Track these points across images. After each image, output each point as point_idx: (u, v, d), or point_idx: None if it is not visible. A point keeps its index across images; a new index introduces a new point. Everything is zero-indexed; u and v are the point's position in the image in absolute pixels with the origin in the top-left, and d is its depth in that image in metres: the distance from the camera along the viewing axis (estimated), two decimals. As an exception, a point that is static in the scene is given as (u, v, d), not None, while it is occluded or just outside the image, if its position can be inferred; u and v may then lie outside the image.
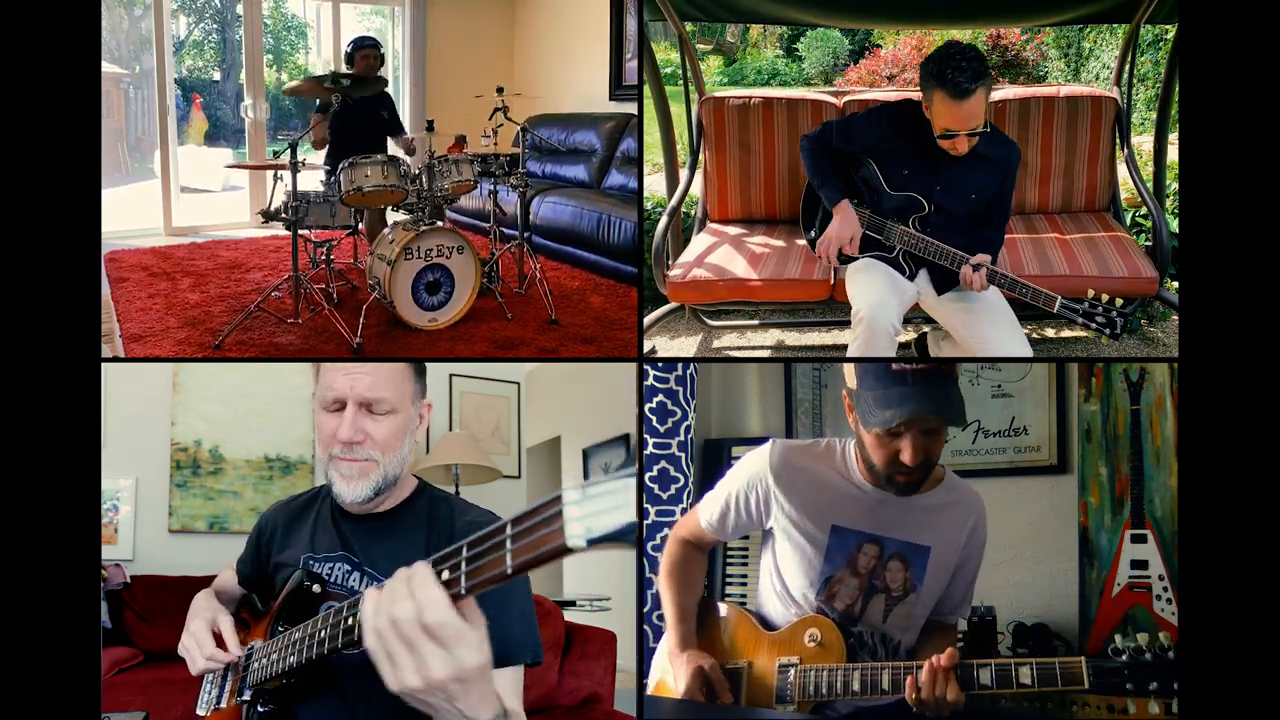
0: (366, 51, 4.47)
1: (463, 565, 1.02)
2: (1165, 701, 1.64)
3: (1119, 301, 2.42)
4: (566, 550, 0.90)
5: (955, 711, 1.75)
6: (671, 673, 1.98)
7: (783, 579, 2.01)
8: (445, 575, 1.04)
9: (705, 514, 2.09)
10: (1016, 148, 2.69)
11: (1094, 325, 2.41)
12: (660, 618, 2.30)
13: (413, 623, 1.05)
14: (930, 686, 1.74)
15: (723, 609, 2.09)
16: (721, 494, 2.07)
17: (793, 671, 1.91)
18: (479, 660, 1.07)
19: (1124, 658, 1.67)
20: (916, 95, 2.62)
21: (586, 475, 5.54)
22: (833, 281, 3.01)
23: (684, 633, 1.99)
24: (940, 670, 1.74)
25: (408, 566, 1.08)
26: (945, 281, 2.65)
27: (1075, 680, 1.70)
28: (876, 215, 2.70)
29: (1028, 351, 2.61)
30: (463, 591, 1.01)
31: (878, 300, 2.55)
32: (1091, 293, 2.43)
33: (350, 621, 1.28)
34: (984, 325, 2.60)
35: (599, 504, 0.88)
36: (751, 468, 2.02)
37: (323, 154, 4.49)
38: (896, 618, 1.95)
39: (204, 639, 1.59)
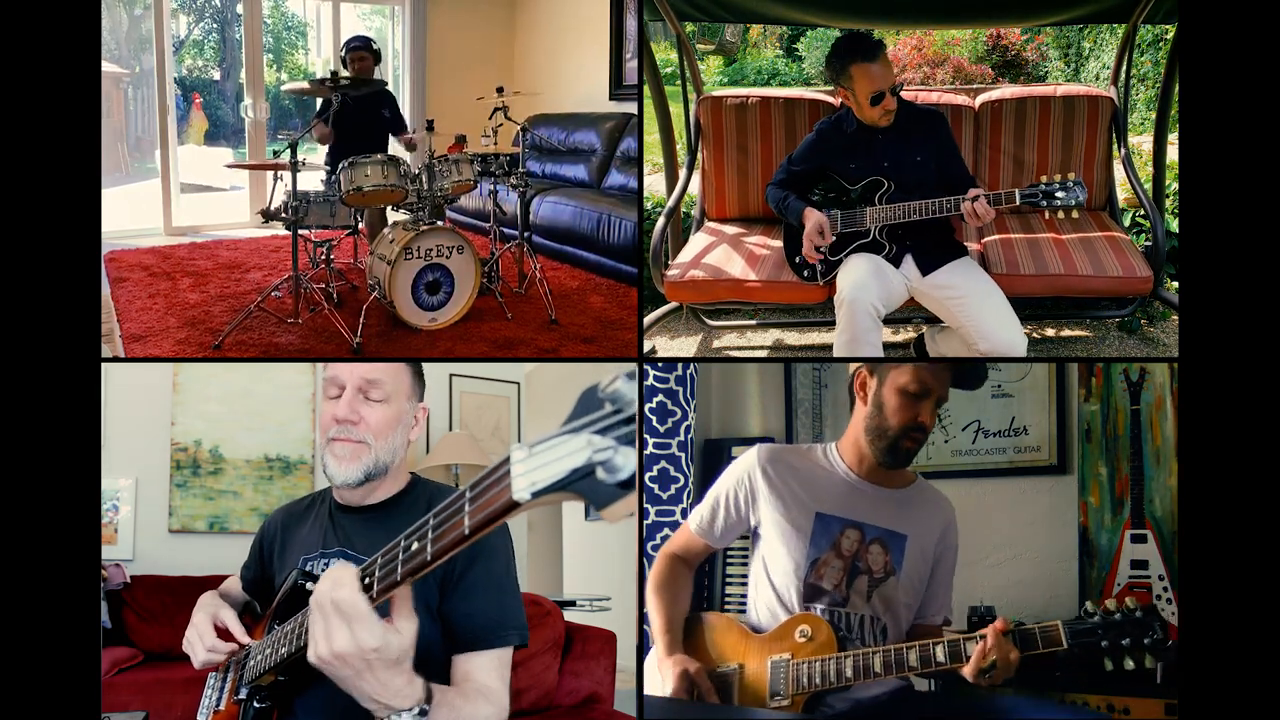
0: (356, 54, 4.46)
1: (429, 534, 1.10)
2: (1138, 658, 1.72)
3: (1071, 176, 2.64)
4: (514, 504, 0.96)
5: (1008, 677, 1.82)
6: (660, 680, 2.02)
7: (770, 577, 2.08)
8: (410, 547, 1.14)
9: (695, 519, 2.18)
10: (939, 113, 2.99)
11: (1058, 201, 2.63)
12: None
13: (326, 595, 1.21)
14: (999, 649, 1.80)
15: (708, 617, 2.13)
16: (710, 497, 2.17)
17: (785, 667, 1.96)
18: (375, 642, 1.20)
19: (1096, 619, 1.77)
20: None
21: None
22: (824, 284, 3.00)
23: (669, 641, 2.05)
24: (1000, 634, 1.81)
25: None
26: (929, 262, 2.80)
27: (1054, 642, 1.79)
28: (848, 210, 2.83)
29: (1018, 329, 2.72)
30: (428, 558, 1.10)
31: (857, 283, 2.73)
32: (1044, 177, 2.66)
33: None
34: (975, 306, 2.72)
35: (542, 459, 0.93)
36: (739, 468, 2.14)
37: (323, 153, 4.49)
38: (879, 599, 2.04)
39: (205, 631, 1.64)
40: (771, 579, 2.07)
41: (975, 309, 2.72)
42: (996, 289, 2.78)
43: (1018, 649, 1.81)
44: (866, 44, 2.74)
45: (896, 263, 2.80)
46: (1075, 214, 2.63)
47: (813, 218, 2.82)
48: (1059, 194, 2.62)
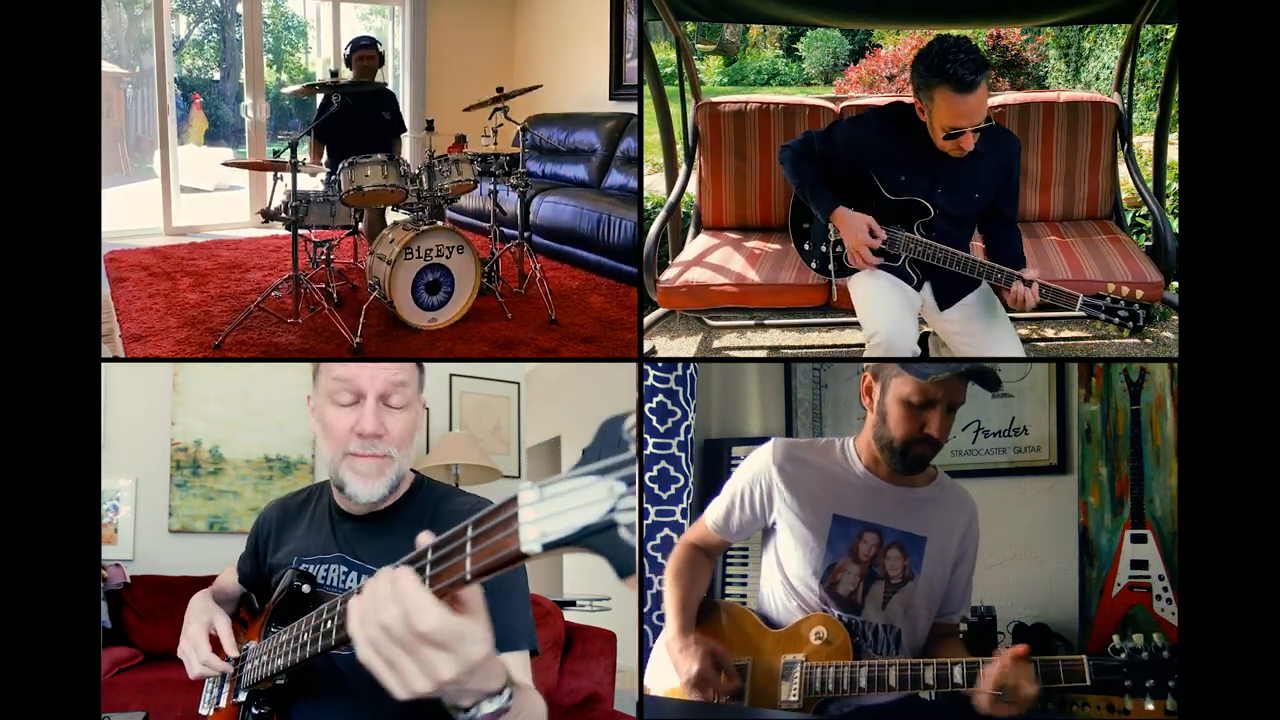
0: (364, 52, 4.47)
1: (427, 570, 0.98)
2: (1160, 699, 1.71)
3: (1140, 294, 2.38)
4: (522, 555, 0.85)
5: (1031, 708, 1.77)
6: (673, 663, 1.98)
7: (785, 572, 2.05)
8: (428, 571, 1.00)
9: (711, 515, 2.14)
10: (1016, 139, 2.60)
11: (1116, 320, 2.36)
12: (660, 617, 2.31)
13: (404, 628, 0.99)
14: (1014, 676, 1.74)
15: (725, 605, 2.12)
16: (727, 494, 2.12)
17: (798, 668, 1.93)
18: (484, 651, 1.04)
19: (1122, 656, 1.74)
20: (907, 98, 2.52)
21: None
22: (833, 288, 2.92)
23: (683, 622, 2.01)
24: (1018, 663, 1.74)
25: (391, 567, 1.03)
26: (948, 296, 2.57)
27: (1077, 678, 1.76)
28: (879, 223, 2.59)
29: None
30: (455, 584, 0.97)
31: (895, 323, 2.47)
32: (1111, 287, 2.39)
33: (329, 625, 1.25)
34: (983, 341, 2.56)
35: (555, 505, 0.81)
36: (755, 465, 2.09)
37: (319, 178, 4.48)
38: (896, 605, 2.00)
39: (200, 642, 1.58)
40: (786, 578, 2.04)
41: (982, 344, 2.57)
42: (1006, 322, 2.60)
43: (1038, 680, 1.74)
44: (962, 69, 2.29)
45: (917, 288, 2.59)
46: (1126, 333, 2.47)
47: (856, 221, 2.54)
48: (1121, 312, 2.37)
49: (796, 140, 2.71)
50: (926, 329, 3.23)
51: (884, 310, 2.49)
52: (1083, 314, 2.40)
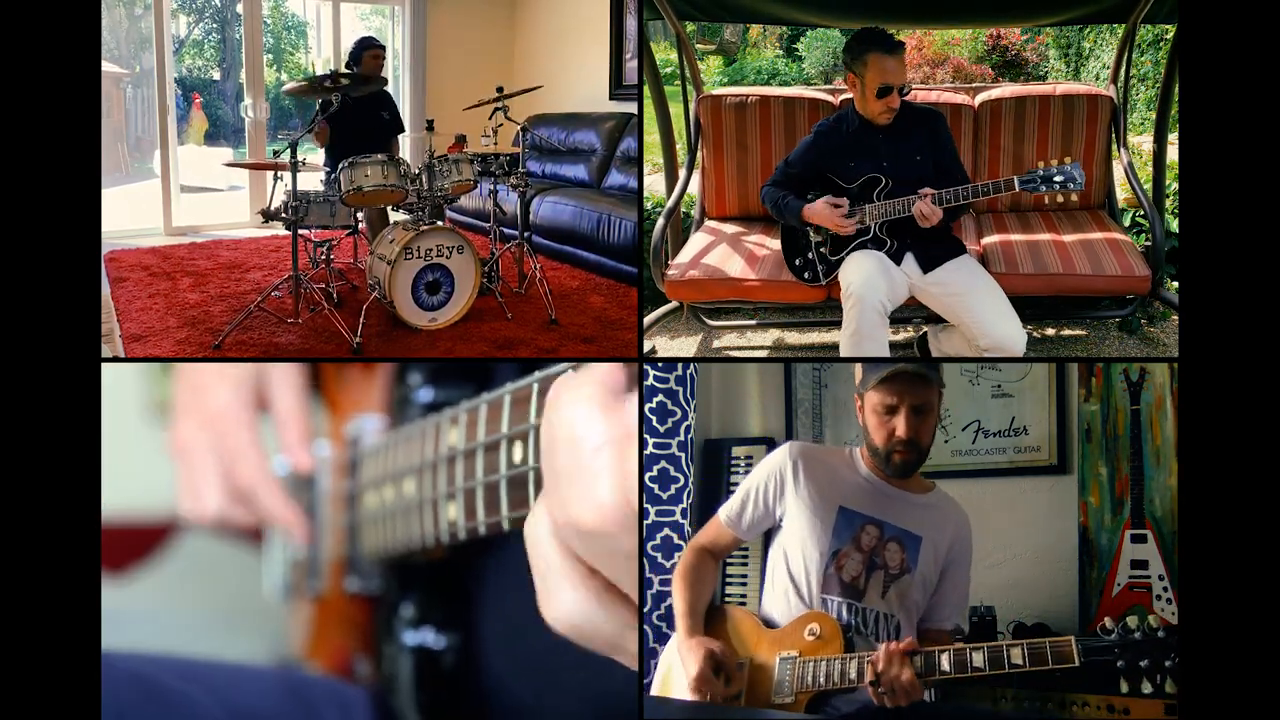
0: (376, 51, 4.49)
1: None
2: (1157, 681, 1.70)
3: (1069, 160, 2.71)
4: None
5: (914, 701, 1.83)
6: (681, 663, 2.03)
7: (789, 566, 2.12)
8: None
9: (725, 511, 2.23)
10: (937, 111, 3.05)
11: (1056, 186, 2.71)
12: (659, 618, 2.36)
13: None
14: (887, 664, 1.84)
15: (731, 610, 2.17)
16: (742, 490, 2.23)
17: (791, 664, 1.99)
18: None
19: (1113, 637, 1.74)
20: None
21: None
22: (826, 284, 3.05)
23: (690, 624, 2.09)
24: (895, 653, 1.84)
25: None
26: (929, 260, 2.85)
27: (1065, 659, 1.76)
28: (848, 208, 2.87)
29: (1018, 324, 2.79)
30: None
31: (865, 279, 2.78)
32: (1041, 163, 2.75)
33: None
34: (976, 303, 2.80)
35: None
36: (771, 462, 2.21)
37: (323, 153, 4.49)
38: (893, 594, 2.09)
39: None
40: (790, 568, 2.11)
41: (977, 305, 2.79)
42: (996, 286, 2.85)
43: (912, 670, 1.82)
44: (889, 38, 2.82)
45: (897, 260, 2.86)
46: (1074, 197, 2.69)
47: (818, 204, 2.87)
48: (1057, 178, 2.69)
49: (768, 181, 3.08)
50: (924, 329, 3.25)
51: (858, 272, 2.81)
52: (1026, 189, 2.74)
